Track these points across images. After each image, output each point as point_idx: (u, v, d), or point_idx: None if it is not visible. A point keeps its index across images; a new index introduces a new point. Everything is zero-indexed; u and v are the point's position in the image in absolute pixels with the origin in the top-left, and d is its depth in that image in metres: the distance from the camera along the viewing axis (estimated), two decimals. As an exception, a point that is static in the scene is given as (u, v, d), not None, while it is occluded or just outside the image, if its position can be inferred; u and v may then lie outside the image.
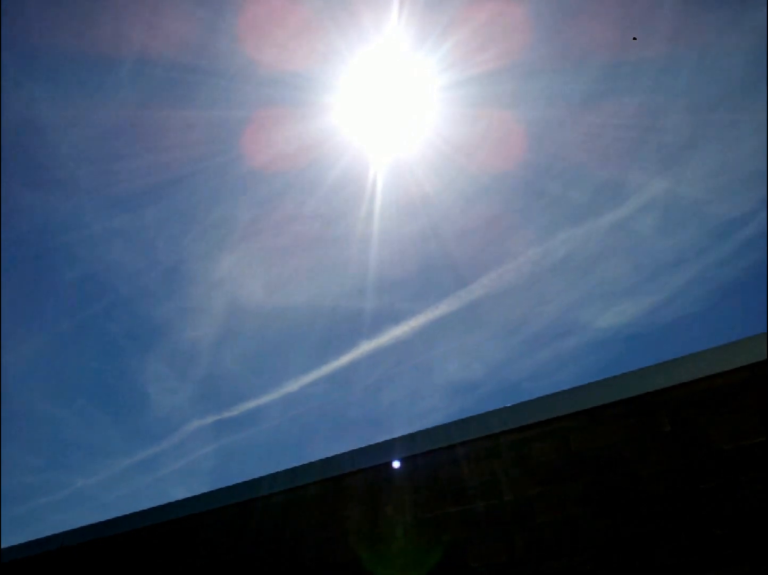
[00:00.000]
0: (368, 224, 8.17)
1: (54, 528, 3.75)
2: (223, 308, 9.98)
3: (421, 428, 2.69)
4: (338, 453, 2.87)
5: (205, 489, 3.26)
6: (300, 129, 7.67)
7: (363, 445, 2.82)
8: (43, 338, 10.35)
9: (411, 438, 2.68)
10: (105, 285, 9.84)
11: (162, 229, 9.16)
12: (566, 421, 2.36)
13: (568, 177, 8.07)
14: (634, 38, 6.52)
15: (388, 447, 2.74)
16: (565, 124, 7.58)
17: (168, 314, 10.32)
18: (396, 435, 2.73)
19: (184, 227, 9.13)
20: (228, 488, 3.18)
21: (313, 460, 2.95)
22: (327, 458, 2.89)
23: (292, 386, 10.54)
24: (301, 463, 2.98)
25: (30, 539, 3.86)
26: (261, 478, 3.07)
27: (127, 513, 3.50)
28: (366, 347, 9.96)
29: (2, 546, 3.97)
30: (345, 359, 10.17)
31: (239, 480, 3.17)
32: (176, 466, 11.33)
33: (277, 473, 3.02)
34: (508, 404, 2.50)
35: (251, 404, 10.87)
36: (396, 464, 2.66)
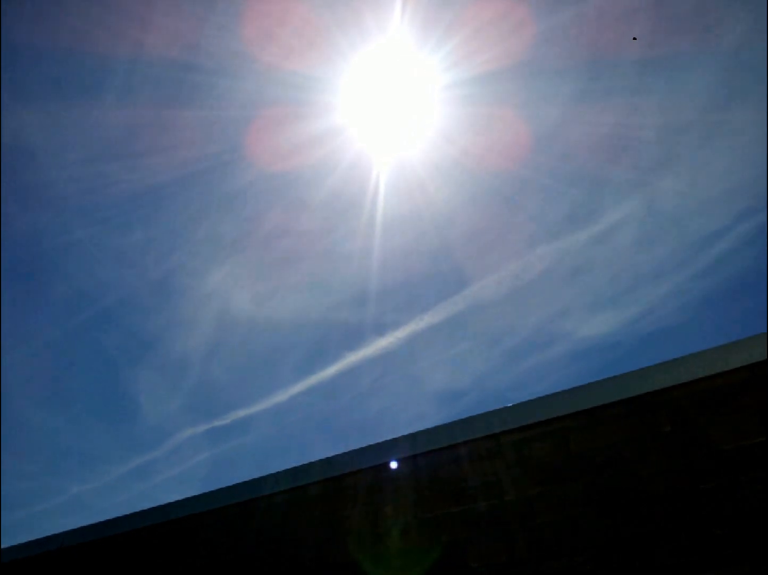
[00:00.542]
0: (353, 239, 8.24)
1: (50, 534, 3.75)
2: (213, 320, 10.09)
3: (422, 429, 2.69)
4: (338, 453, 2.87)
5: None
6: (301, 129, 7.67)
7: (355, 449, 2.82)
8: (37, 350, 10.47)
9: (412, 437, 2.68)
10: (97, 299, 10.03)
11: (152, 244, 9.26)
12: (566, 421, 2.36)
13: (560, 184, 8.11)
14: (634, 38, 6.52)
15: (388, 447, 2.73)
16: (567, 124, 7.59)
17: (160, 326, 10.45)
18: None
19: (173, 243, 9.23)
20: (228, 488, 3.18)
21: (311, 461, 2.95)
22: (327, 458, 2.89)
23: (282, 395, 10.71)
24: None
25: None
26: (261, 478, 3.06)
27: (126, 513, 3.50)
28: (353, 357, 10.16)
29: (2, 547, 3.97)
30: (333, 369, 10.36)
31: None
32: (170, 473, 11.41)
33: (278, 473, 3.02)
34: (508, 405, 2.51)
35: (242, 413, 11.04)
36: (393, 464, 2.66)
